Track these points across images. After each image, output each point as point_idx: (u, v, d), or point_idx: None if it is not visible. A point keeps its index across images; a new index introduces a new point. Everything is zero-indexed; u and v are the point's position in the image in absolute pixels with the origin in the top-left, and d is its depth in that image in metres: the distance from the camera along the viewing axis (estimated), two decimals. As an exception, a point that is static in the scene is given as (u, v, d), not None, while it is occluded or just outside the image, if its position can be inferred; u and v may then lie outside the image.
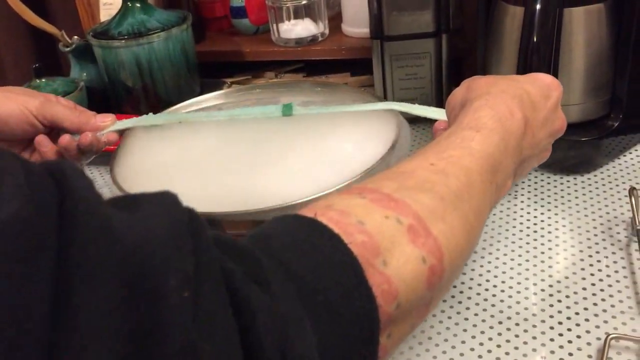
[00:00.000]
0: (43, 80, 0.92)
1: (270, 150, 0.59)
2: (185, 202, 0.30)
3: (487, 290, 0.60)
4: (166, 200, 0.29)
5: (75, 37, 0.99)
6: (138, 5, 0.94)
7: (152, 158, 0.61)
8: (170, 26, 0.93)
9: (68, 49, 0.99)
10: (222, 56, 1.12)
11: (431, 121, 0.58)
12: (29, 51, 1.35)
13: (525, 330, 0.55)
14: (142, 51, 0.92)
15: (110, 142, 0.63)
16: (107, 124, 0.62)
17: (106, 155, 0.65)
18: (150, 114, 0.65)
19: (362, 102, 0.64)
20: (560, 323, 0.56)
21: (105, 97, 0.99)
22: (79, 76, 1.01)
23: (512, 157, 0.46)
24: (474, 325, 0.56)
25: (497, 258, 0.64)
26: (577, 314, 0.56)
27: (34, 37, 1.34)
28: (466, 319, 0.57)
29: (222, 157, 0.59)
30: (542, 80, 0.53)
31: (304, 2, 1.07)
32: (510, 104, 0.47)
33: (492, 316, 0.57)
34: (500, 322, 0.56)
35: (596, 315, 0.56)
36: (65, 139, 0.61)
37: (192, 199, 0.53)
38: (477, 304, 0.59)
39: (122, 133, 0.64)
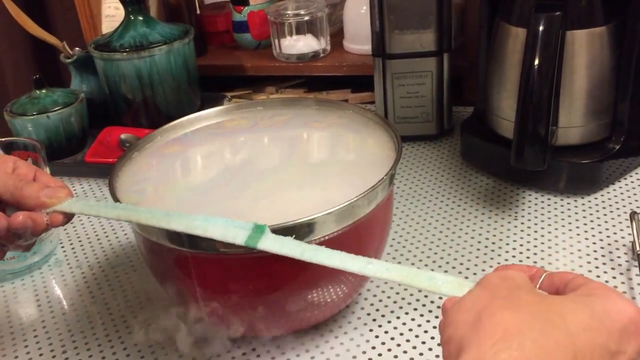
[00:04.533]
0: (43, 91, 0.92)
1: (272, 174, 0.59)
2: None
3: (486, 312, 0.60)
4: None
5: (77, 48, 0.99)
6: (140, 18, 0.94)
7: (151, 174, 0.61)
8: (172, 40, 0.93)
9: (69, 60, 0.98)
10: (223, 70, 1.12)
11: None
12: (29, 62, 1.35)
13: (524, 355, 0.55)
14: (144, 64, 0.92)
15: (53, 224, 0.49)
16: (54, 202, 0.49)
17: (104, 168, 0.63)
18: (110, 202, 0.52)
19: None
20: (559, 348, 0.55)
21: (105, 109, 0.99)
22: (80, 88, 1.01)
23: None
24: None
25: (497, 280, 0.63)
26: (576, 339, 0.56)
27: (35, 48, 1.34)
28: (465, 341, 0.56)
29: (225, 179, 0.58)
30: (617, 317, 0.31)
31: (306, 18, 1.07)
32: None
33: (490, 339, 0.56)
34: (499, 346, 0.56)
35: (596, 340, 0.55)
36: None
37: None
38: (475, 327, 0.58)
39: (70, 216, 0.50)
